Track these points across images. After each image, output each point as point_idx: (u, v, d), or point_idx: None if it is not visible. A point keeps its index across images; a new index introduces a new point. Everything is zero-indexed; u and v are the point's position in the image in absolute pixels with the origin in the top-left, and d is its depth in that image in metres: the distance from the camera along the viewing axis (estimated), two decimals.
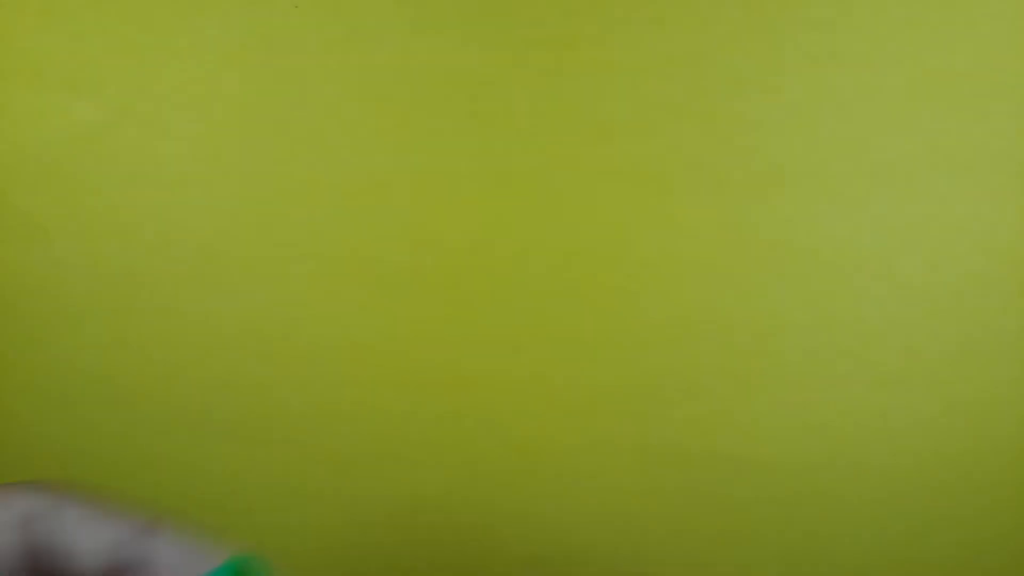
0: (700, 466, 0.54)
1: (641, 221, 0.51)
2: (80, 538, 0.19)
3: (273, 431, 0.58)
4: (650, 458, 0.54)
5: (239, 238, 0.55)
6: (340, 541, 0.57)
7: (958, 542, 0.54)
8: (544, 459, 0.55)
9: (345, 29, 0.50)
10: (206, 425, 0.59)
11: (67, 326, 0.60)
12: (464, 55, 0.50)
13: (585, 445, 0.54)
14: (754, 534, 0.55)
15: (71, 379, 0.61)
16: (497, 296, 0.54)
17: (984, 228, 0.50)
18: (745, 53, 0.49)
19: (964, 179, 0.50)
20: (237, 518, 0.59)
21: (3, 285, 0.62)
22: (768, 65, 0.49)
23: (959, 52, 0.48)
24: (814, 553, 0.55)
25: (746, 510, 0.55)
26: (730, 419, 0.54)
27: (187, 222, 0.57)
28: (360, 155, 0.55)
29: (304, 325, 0.57)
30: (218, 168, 0.56)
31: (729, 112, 0.50)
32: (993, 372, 0.52)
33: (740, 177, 0.50)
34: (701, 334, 0.53)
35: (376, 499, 0.56)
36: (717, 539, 0.55)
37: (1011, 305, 0.51)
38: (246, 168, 0.56)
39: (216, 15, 0.50)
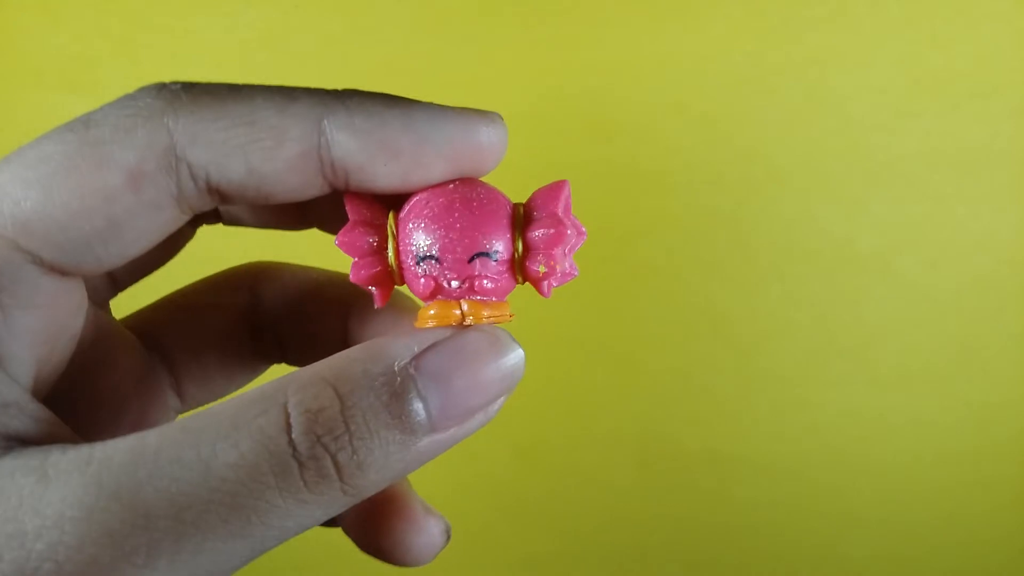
0: (700, 466, 0.54)
1: (641, 221, 0.51)
2: None
3: None
4: (650, 458, 0.54)
5: (238, 238, 0.55)
6: (340, 542, 0.57)
7: (958, 542, 0.54)
8: (544, 459, 0.55)
9: (345, 29, 0.50)
10: None
11: None
12: (464, 55, 0.50)
13: (585, 445, 0.54)
14: (754, 534, 0.55)
15: None
16: None
17: (984, 228, 0.50)
18: (745, 53, 0.49)
19: (964, 179, 0.50)
20: None
21: None
22: (768, 65, 0.49)
23: (959, 52, 0.48)
24: (814, 552, 0.55)
25: (746, 510, 0.55)
26: (730, 419, 0.54)
27: None
28: None
29: None
30: None
31: (729, 112, 0.50)
32: (993, 372, 0.52)
33: (740, 177, 0.51)
34: (701, 334, 0.53)
35: None
36: (717, 539, 0.55)
37: (1011, 305, 0.51)
38: None
39: (216, 15, 0.50)
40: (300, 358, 0.25)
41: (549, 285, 0.19)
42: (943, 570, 0.54)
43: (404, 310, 0.23)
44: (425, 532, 0.21)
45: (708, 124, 0.50)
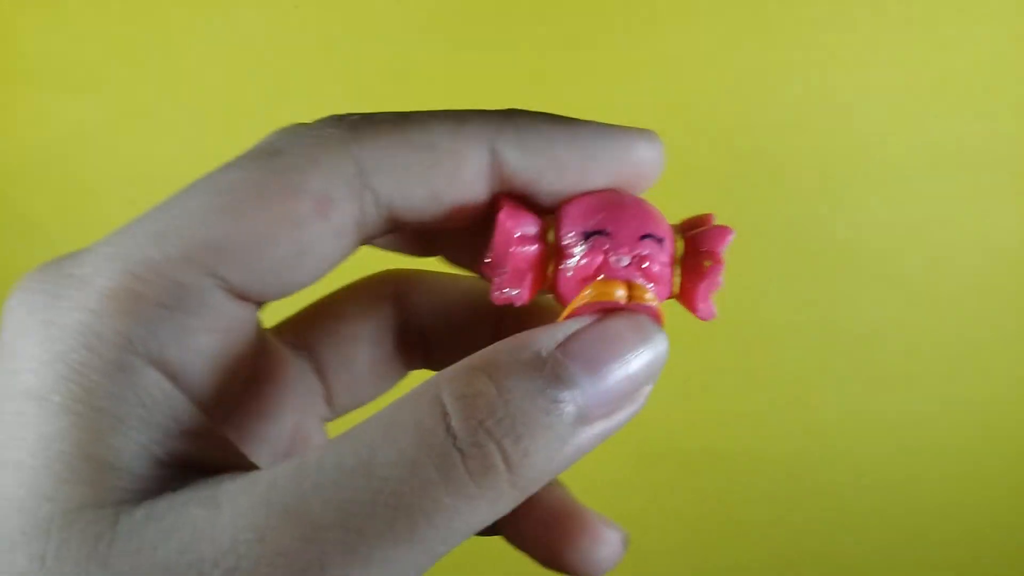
0: (700, 465, 0.54)
1: None
2: None
3: None
4: (650, 458, 0.54)
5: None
6: None
7: (958, 541, 0.54)
8: None
9: (345, 29, 0.50)
10: None
11: None
12: (464, 55, 0.50)
13: None
14: (754, 533, 0.55)
15: None
16: None
17: (984, 228, 0.50)
18: (745, 53, 0.49)
19: (964, 179, 0.50)
20: None
21: (3, 285, 0.62)
22: (768, 65, 0.49)
23: (959, 52, 0.48)
24: (814, 552, 0.55)
25: (746, 509, 0.55)
26: (730, 418, 0.54)
27: None
28: None
29: None
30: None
31: (730, 112, 0.50)
32: (993, 372, 0.52)
33: (741, 177, 0.51)
34: (701, 334, 0.53)
35: None
36: (717, 538, 0.55)
37: (1011, 305, 0.51)
38: None
39: (217, 15, 0.50)
40: (445, 364, 0.25)
41: (709, 291, 0.19)
42: (943, 568, 0.54)
43: (555, 312, 0.23)
44: (609, 545, 0.21)
45: (708, 124, 0.50)
